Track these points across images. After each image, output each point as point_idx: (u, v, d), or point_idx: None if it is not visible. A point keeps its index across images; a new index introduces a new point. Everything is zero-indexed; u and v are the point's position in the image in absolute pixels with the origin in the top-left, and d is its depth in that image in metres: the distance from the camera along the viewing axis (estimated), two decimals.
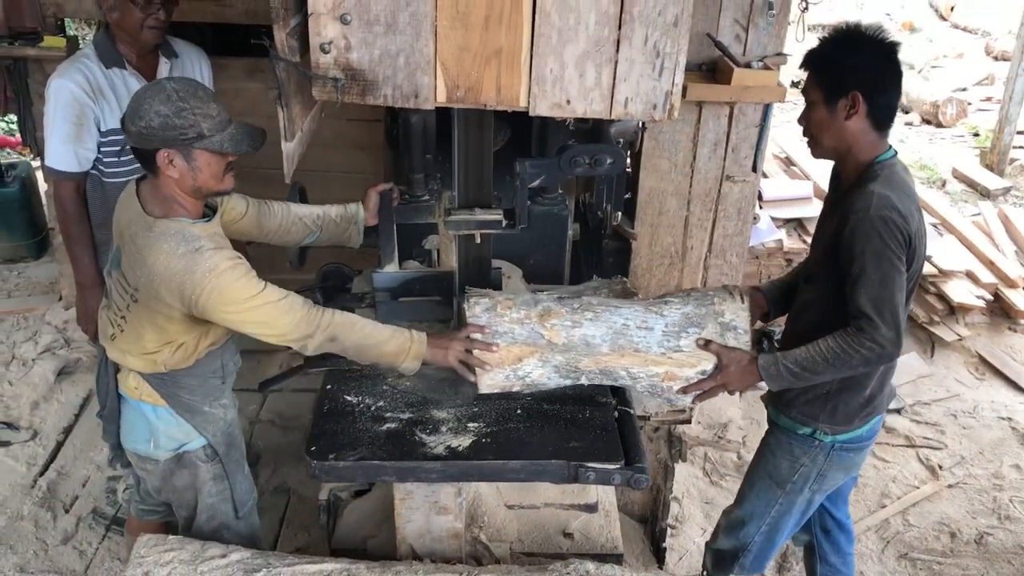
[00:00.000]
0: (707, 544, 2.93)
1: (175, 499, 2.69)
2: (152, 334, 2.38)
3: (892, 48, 2.33)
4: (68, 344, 4.45)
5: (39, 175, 5.58)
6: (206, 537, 2.60)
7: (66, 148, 3.01)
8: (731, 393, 2.51)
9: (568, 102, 2.02)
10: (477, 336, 2.41)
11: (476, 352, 2.41)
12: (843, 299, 2.32)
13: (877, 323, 2.24)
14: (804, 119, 2.44)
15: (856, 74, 2.30)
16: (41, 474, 3.78)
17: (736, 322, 2.44)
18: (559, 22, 1.94)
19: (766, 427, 2.75)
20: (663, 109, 2.04)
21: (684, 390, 2.47)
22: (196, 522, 2.67)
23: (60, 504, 3.64)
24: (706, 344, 2.44)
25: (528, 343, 2.41)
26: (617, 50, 1.97)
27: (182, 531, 2.74)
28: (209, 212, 2.43)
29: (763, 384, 2.45)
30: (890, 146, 2.40)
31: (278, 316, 2.29)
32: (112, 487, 3.64)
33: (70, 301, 4.43)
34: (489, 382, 2.44)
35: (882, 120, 2.36)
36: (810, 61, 2.39)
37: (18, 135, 6.54)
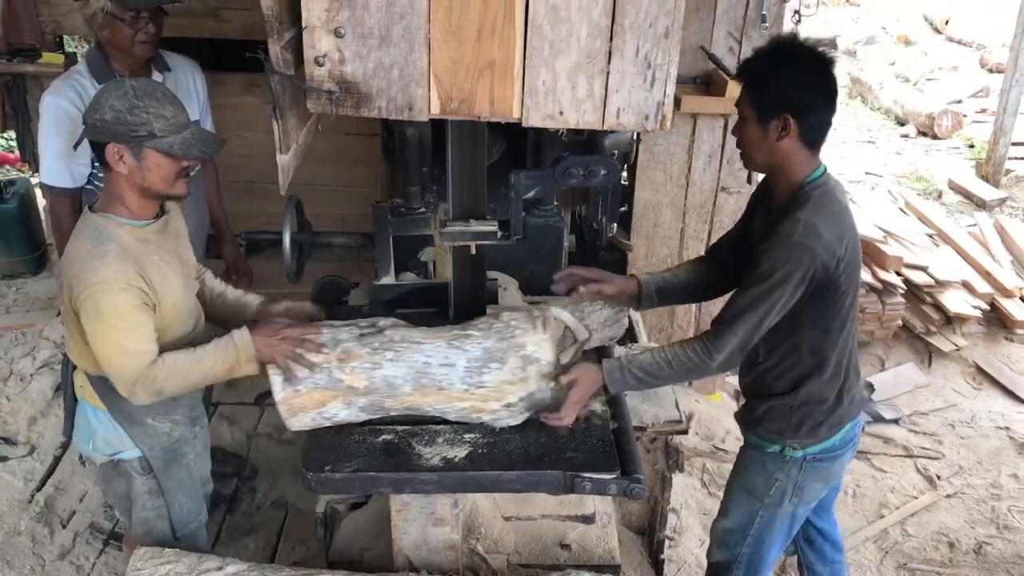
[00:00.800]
0: (707, 556, 2.93)
1: (116, 504, 2.70)
2: (74, 328, 2.36)
3: (826, 66, 2.28)
4: None
5: (38, 192, 5.60)
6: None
7: (60, 164, 3.02)
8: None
9: (561, 113, 2.04)
10: (310, 337, 2.39)
11: (306, 353, 2.37)
12: (802, 317, 2.33)
13: (728, 336, 2.29)
14: (737, 133, 2.39)
15: (788, 96, 2.25)
16: (39, 489, 3.77)
17: (538, 354, 2.41)
18: (551, 34, 1.95)
19: None
20: (655, 119, 2.06)
21: (556, 421, 2.41)
22: (133, 534, 2.66)
23: (57, 519, 3.63)
24: (562, 373, 2.42)
25: (329, 387, 2.37)
26: (609, 61, 1.99)
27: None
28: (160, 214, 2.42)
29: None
30: (820, 163, 2.36)
31: (117, 358, 2.25)
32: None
33: None
34: (298, 424, 2.41)
35: (814, 140, 2.31)
36: (743, 74, 2.35)
37: (17, 152, 6.57)
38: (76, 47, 5.26)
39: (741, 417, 2.64)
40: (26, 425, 4.14)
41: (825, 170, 2.36)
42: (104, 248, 2.24)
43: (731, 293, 2.40)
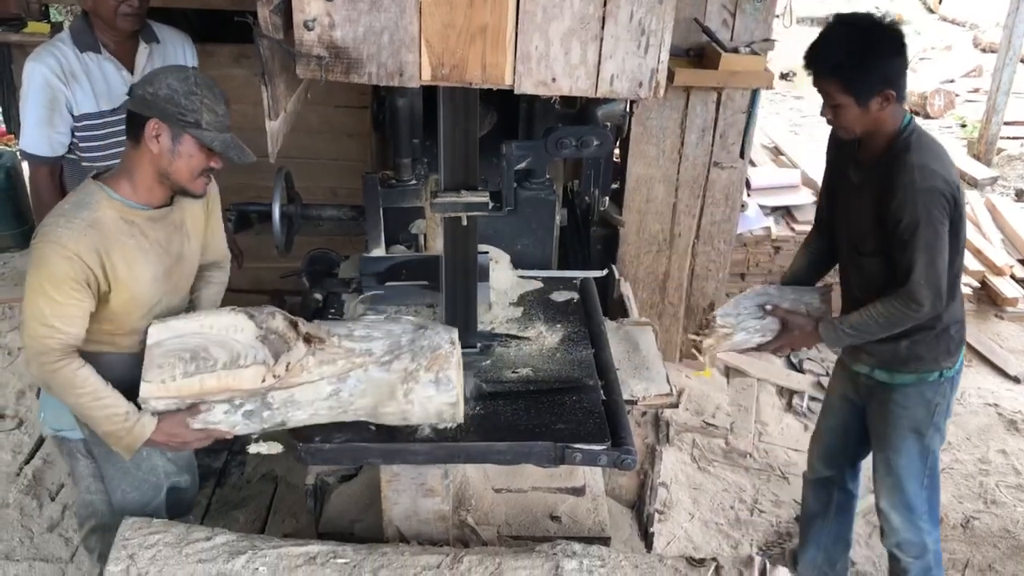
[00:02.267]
0: (886, 540, 2.91)
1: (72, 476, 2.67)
2: None
3: (902, 36, 2.45)
4: None
5: (24, 165, 5.55)
6: (83, 534, 2.62)
7: (39, 132, 2.99)
8: (788, 352, 2.91)
9: (554, 80, 2.01)
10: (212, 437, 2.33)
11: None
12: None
13: (924, 289, 2.45)
14: (833, 118, 2.53)
15: (885, 74, 2.42)
16: (27, 462, 3.76)
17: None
18: None
19: (834, 391, 3.04)
20: (649, 87, 2.03)
21: (759, 348, 2.81)
22: (77, 514, 2.63)
23: (46, 492, 3.62)
24: (773, 309, 2.74)
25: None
26: (602, 27, 1.95)
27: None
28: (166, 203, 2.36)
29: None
30: (905, 109, 2.54)
31: (32, 322, 2.17)
32: None
33: None
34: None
35: (905, 94, 2.49)
36: (833, 71, 2.45)
37: (2, 125, 6.50)
38: (63, 17, 5.20)
39: (882, 362, 2.73)
40: (14, 399, 4.13)
41: (909, 112, 2.54)
42: (77, 213, 2.20)
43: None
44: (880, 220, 2.51)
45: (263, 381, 2.22)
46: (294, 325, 2.29)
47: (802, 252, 3.04)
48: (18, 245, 5.37)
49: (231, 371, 2.20)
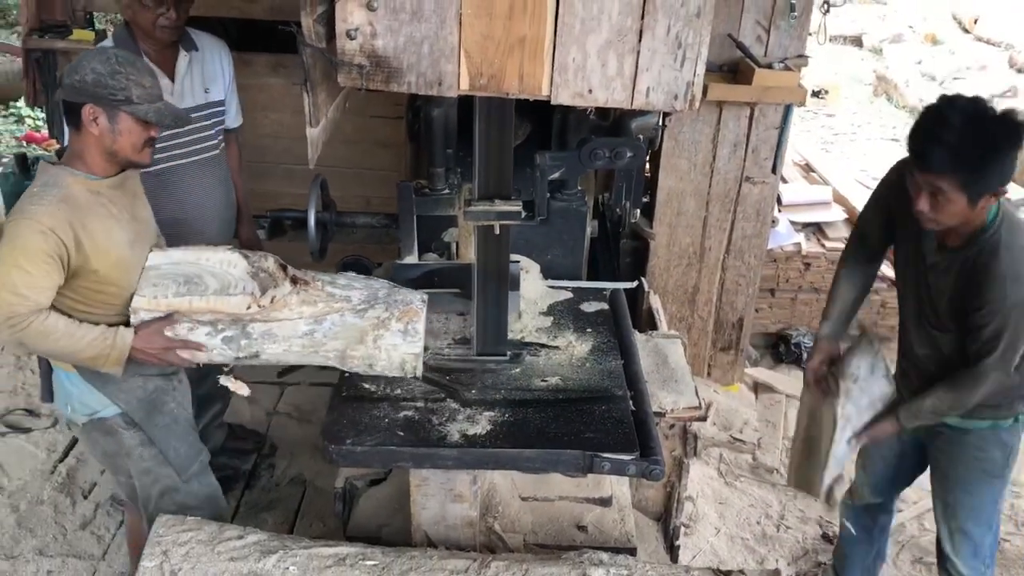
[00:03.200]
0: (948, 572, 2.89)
1: (108, 465, 2.74)
2: None
3: (1021, 126, 2.26)
4: None
5: None
6: (156, 501, 2.66)
7: None
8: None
9: (590, 91, 2.04)
10: (190, 345, 2.41)
11: (185, 353, 2.42)
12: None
13: (996, 372, 2.44)
14: (931, 209, 2.35)
15: (1005, 173, 2.28)
16: (61, 460, 3.83)
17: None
18: (582, 11, 1.95)
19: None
20: (684, 99, 2.05)
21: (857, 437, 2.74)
22: (140, 487, 2.69)
23: (79, 490, 3.68)
24: (859, 438, 2.74)
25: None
26: (639, 40, 1.98)
27: (128, 499, 2.78)
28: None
29: None
30: None
31: (1, 292, 2.24)
32: None
33: None
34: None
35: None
36: (954, 168, 2.25)
37: (45, 130, 6.63)
38: (108, 25, 5.30)
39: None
40: None
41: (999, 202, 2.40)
42: (48, 192, 2.30)
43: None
44: (959, 310, 2.46)
45: (248, 308, 2.39)
46: (283, 267, 2.51)
47: (846, 284, 2.89)
48: None
49: (220, 296, 2.38)
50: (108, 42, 3.15)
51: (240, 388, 2.60)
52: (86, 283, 2.36)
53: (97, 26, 4.34)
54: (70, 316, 2.36)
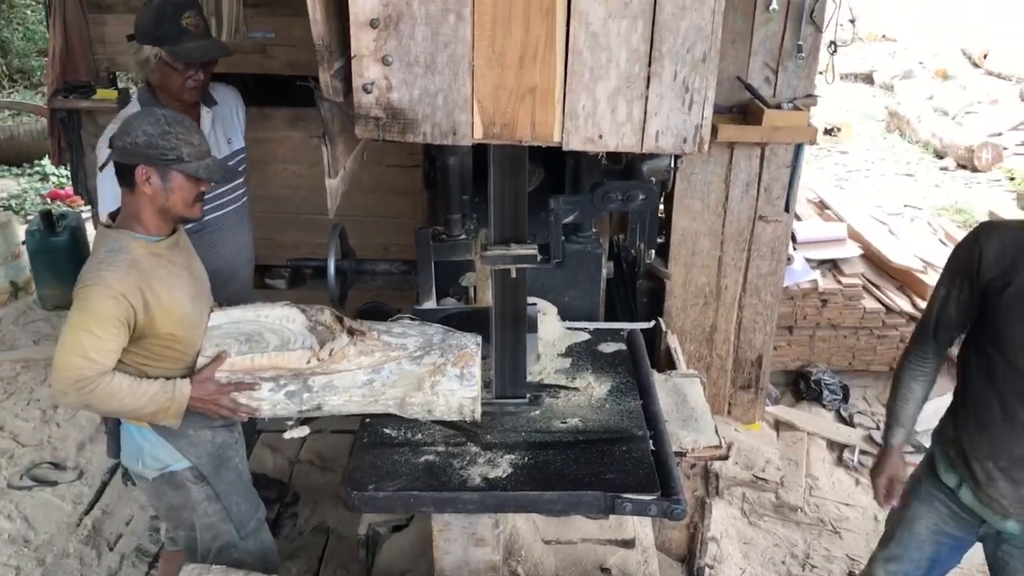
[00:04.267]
0: None
1: (169, 518, 2.75)
2: None
3: None
4: None
5: (88, 225, 5.76)
6: (214, 557, 2.67)
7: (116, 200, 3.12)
8: None
9: (600, 136, 2.08)
10: (239, 378, 2.45)
11: (242, 399, 2.46)
12: None
13: None
14: None
15: None
16: (87, 513, 3.86)
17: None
18: (591, 60, 2.01)
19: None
20: (693, 142, 2.09)
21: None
22: (201, 541, 2.71)
23: (105, 542, 3.71)
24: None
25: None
26: (647, 86, 2.03)
27: (187, 552, 2.79)
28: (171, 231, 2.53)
29: None
30: None
31: (72, 354, 2.28)
32: (155, 525, 3.71)
33: None
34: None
35: None
36: None
37: (69, 187, 6.77)
38: (127, 83, 5.43)
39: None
40: (75, 451, 4.24)
41: None
42: (116, 257, 2.35)
43: None
44: None
45: (308, 363, 2.44)
46: (340, 319, 2.55)
47: (921, 381, 2.62)
48: None
49: (280, 352, 2.43)
50: (133, 103, 3.22)
51: (302, 431, 2.63)
52: (153, 342, 2.42)
53: (120, 85, 4.46)
54: (140, 372, 2.42)
